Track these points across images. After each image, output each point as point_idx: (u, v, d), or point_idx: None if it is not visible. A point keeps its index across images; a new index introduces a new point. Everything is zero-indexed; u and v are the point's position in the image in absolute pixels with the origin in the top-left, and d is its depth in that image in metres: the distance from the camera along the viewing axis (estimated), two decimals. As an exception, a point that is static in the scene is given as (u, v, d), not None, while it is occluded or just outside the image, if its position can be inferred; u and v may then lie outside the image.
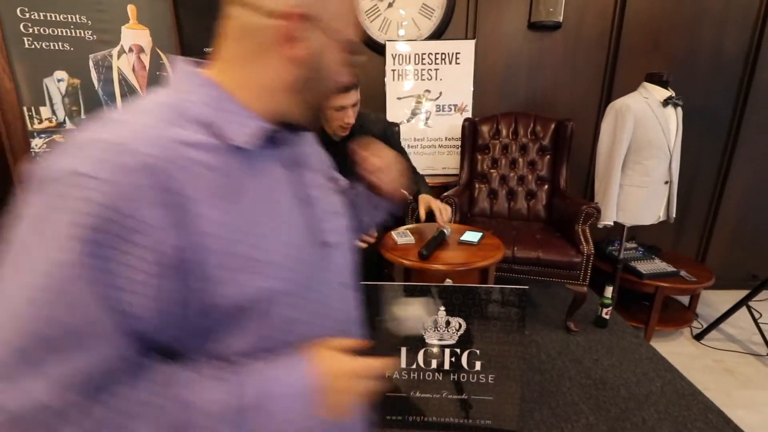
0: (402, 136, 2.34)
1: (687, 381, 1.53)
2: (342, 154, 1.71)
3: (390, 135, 1.80)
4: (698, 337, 2.24)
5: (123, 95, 2.10)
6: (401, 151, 1.83)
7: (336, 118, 1.53)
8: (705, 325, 2.26)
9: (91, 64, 2.02)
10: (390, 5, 2.38)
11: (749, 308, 2.15)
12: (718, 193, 2.67)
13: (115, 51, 2.06)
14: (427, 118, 2.46)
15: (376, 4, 2.37)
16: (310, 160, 0.57)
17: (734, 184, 2.63)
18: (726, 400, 1.76)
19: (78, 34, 1.98)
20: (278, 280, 0.45)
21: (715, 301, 2.63)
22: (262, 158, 0.46)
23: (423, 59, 2.37)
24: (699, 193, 2.69)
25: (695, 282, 2.13)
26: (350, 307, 0.61)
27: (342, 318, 0.56)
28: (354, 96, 1.50)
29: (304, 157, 0.56)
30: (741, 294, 2.19)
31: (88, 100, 2.05)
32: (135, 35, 2.08)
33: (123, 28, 2.05)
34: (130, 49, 2.08)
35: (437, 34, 2.41)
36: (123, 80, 2.09)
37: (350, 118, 1.52)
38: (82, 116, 2.06)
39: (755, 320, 2.14)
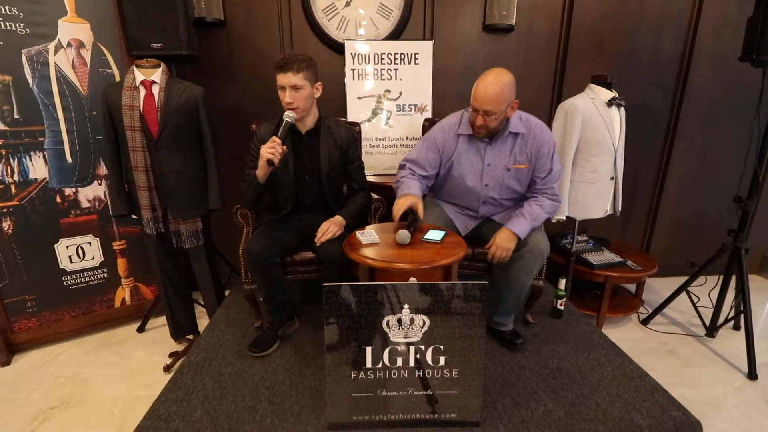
0: (363, 136, 2.34)
1: (635, 364, 1.63)
2: (307, 147, 1.70)
3: (353, 142, 1.86)
4: (645, 322, 2.40)
5: (62, 93, 1.96)
6: (359, 163, 1.91)
7: (280, 97, 1.63)
8: (650, 311, 2.43)
9: (24, 59, 1.87)
10: (348, 4, 2.36)
11: (688, 293, 2.32)
12: (659, 187, 2.87)
13: (51, 46, 1.91)
14: (388, 118, 2.47)
15: (333, 3, 2.35)
16: None
17: (673, 179, 2.83)
18: (670, 380, 1.90)
19: (9, 27, 1.82)
20: None
21: (658, 287, 2.83)
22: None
23: (382, 59, 2.38)
24: (642, 187, 2.88)
25: (640, 270, 2.28)
26: None
27: None
28: (291, 77, 1.58)
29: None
30: (681, 280, 2.37)
31: (21, 99, 1.90)
32: (74, 29, 1.94)
33: (60, 21, 1.91)
34: (69, 44, 1.94)
35: (395, 35, 2.42)
36: (61, 77, 1.95)
37: (288, 97, 1.60)
38: (16, 116, 1.90)
39: (694, 304, 2.32)
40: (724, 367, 2.01)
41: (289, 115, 1.61)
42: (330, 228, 1.66)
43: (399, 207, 1.57)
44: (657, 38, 2.57)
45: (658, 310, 2.40)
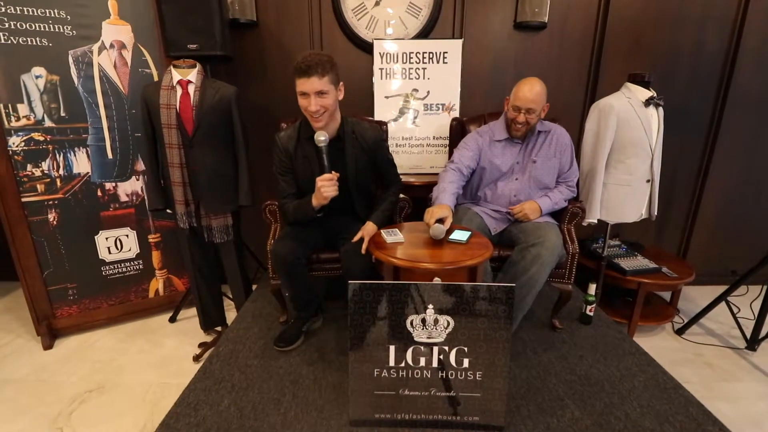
0: (390, 135, 2.34)
1: (669, 375, 1.57)
2: (331, 157, 1.62)
3: (380, 143, 1.77)
4: (679, 332, 2.30)
5: (104, 92, 2.06)
6: (389, 161, 1.83)
7: (302, 105, 1.49)
8: (686, 320, 2.32)
9: (70, 60, 1.97)
10: (377, 3, 2.37)
11: (728, 303, 2.21)
12: (699, 190, 2.73)
13: (95, 47, 2.01)
14: (415, 117, 2.46)
15: (363, 2, 2.36)
16: None
17: (714, 182, 2.70)
18: (706, 393, 1.81)
19: (57, 30, 1.93)
20: None
21: (695, 296, 2.70)
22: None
23: (410, 58, 2.37)
24: (680, 191, 2.75)
25: (676, 278, 2.18)
26: None
27: None
28: (316, 82, 1.42)
29: None
30: (720, 289, 2.25)
31: (67, 97, 2.00)
32: (116, 31, 2.04)
33: (104, 23, 2.00)
34: (112, 45, 2.04)
35: (424, 33, 2.41)
36: (104, 77, 2.04)
37: (312, 105, 1.46)
38: (62, 113, 2.01)
39: (734, 315, 2.20)
40: (765, 383, 1.90)
41: (320, 140, 1.52)
42: (364, 238, 1.60)
43: (431, 215, 1.55)
44: (699, 34, 2.45)
45: (694, 319, 2.29)
